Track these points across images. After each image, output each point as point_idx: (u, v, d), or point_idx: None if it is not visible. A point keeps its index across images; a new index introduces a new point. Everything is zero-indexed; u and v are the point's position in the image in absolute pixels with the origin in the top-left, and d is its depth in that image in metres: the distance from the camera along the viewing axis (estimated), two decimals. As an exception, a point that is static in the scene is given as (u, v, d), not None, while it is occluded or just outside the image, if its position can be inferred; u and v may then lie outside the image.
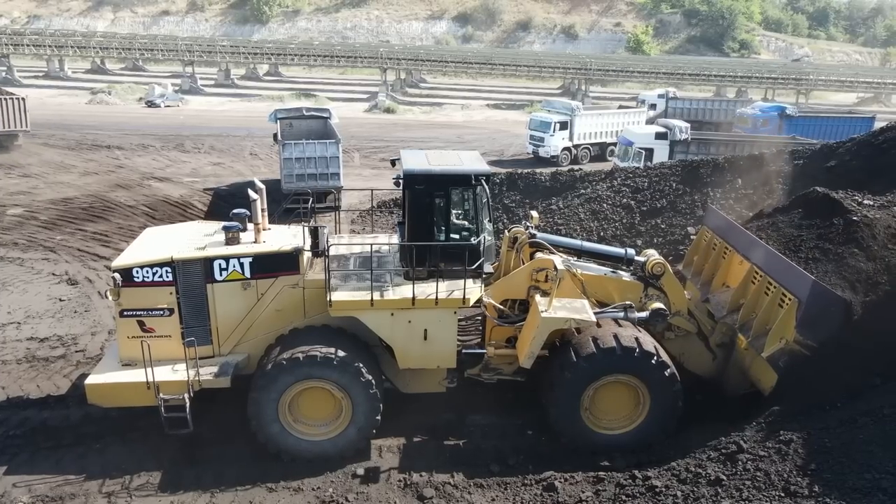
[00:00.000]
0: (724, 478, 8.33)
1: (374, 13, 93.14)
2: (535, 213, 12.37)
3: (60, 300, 15.35)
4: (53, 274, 16.89)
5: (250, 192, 10.42)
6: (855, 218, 10.81)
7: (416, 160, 10.54)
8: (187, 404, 9.39)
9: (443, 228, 10.39)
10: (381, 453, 10.10)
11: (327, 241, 10.13)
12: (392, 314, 9.81)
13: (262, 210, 10.53)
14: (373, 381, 9.63)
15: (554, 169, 24.41)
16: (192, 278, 9.83)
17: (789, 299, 9.49)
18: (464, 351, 10.73)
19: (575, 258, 11.15)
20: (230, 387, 9.84)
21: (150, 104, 50.66)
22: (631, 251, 11.40)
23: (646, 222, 17.56)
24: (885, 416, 8.42)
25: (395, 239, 11.62)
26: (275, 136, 24.90)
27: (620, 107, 42.23)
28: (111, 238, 19.75)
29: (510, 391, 11.71)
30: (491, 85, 70.09)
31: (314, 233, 10.18)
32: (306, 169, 22.45)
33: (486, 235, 10.67)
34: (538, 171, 22.93)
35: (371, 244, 10.38)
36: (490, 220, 10.98)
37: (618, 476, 9.15)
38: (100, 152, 31.77)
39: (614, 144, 35.29)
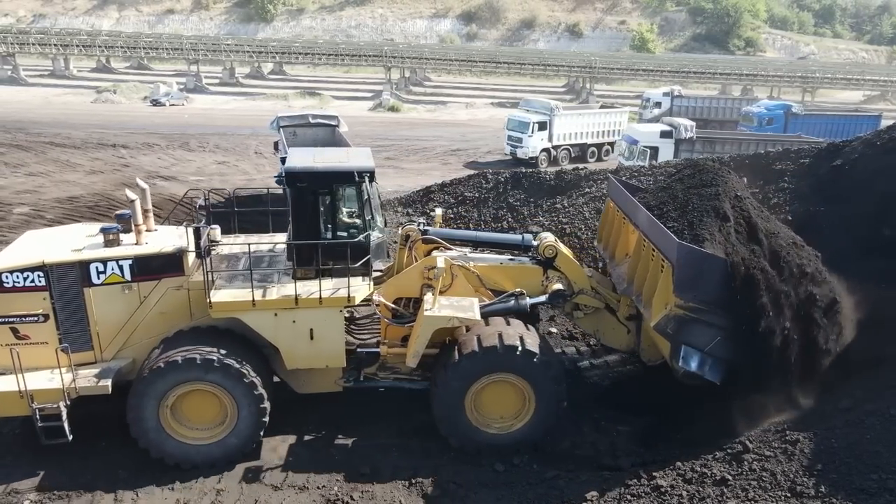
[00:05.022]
0: (730, 478, 8.32)
1: (379, 11, 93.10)
2: (438, 211, 12.39)
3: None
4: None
5: (128, 192, 10.04)
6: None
7: (301, 158, 10.42)
8: (63, 413, 9.00)
9: (329, 226, 10.23)
10: (386, 452, 10.09)
11: (208, 241, 9.85)
12: (276, 314, 9.61)
13: (146, 210, 10.23)
14: (256, 382, 9.40)
15: (559, 168, 24.37)
16: (66, 282, 9.41)
17: (666, 264, 9.29)
18: (359, 349, 10.67)
19: (471, 250, 11.12)
20: (110, 393, 9.41)
21: (155, 103, 50.79)
22: (528, 236, 11.41)
23: (651, 221, 17.51)
24: (892, 417, 8.40)
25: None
26: (276, 144, 23.25)
27: (602, 106, 41.88)
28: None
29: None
30: (495, 83, 70.05)
31: (196, 233, 9.74)
32: None
33: (377, 233, 10.62)
34: (543, 169, 22.92)
35: (248, 244, 10.16)
36: (382, 218, 10.86)
37: (623, 475, 9.14)
38: (105, 151, 31.87)
39: (596, 145, 34.92)
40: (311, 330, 9.72)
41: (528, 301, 10.60)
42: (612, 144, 35.63)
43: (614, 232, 11.90)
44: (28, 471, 9.41)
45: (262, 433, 9.78)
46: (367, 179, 9.85)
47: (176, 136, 36.64)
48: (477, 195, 20.54)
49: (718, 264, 8.92)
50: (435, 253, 10.76)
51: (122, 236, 9.92)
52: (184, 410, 9.55)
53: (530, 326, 10.35)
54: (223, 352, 9.31)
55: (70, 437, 9.15)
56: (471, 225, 19.45)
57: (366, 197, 10.04)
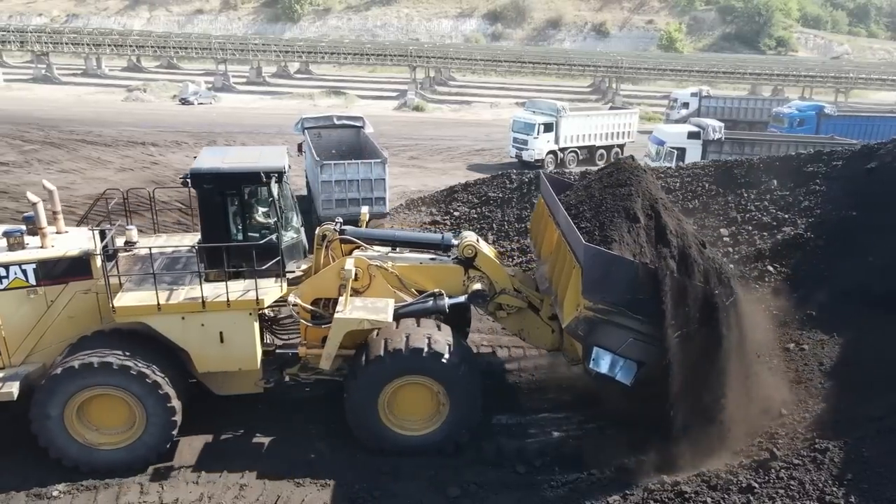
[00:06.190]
0: (756, 485, 8.18)
1: (404, 11, 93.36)
2: (365, 209, 12.28)
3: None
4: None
5: (29, 195, 9.82)
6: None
7: (209, 158, 10.25)
8: None
9: (239, 227, 10.06)
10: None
11: (113, 243, 9.77)
12: (183, 318, 9.43)
13: (56, 213, 10.10)
14: (161, 383, 9.20)
15: (584, 168, 24.20)
16: None
17: (577, 265, 9.10)
18: (278, 350, 10.60)
19: (390, 249, 11.02)
20: (15, 399, 9.17)
21: (184, 102, 51.56)
22: (448, 236, 11.28)
23: (677, 223, 17.30)
24: (926, 427, 8.19)
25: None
26: (299, 146, 23.15)
27: (611, 108, 41.15)
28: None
29: (537, 392, 11.67)
30: (520, 83, 69.73)
31: (101, 235, 9.54)
32: (347, 193, 19.73)
33: (292, 233, 10.53)
34: (566, 170, 22.78)
35: (150, 247, 9.83)
36: (299, 217, 10.79)
37: (646, 480, 9.03)
38: (135, 149, 32.43)
39: (604, 147, 33.90)
40: (221, 333, 9.54)
41: (447, 301, 10.47)
42: (621, 147, 34.52)
43: (541, 229, 11.73)
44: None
45: (174, 435, 9.62)
46: (274, 180, 9.72)
47: (204, 134, 37.16)
48: (501, 195, 20.49)
49: (626, 266, 8.79)
50: (357, 253, 10.68)
51: (29, 239, 9.69)
52: (91, 414, 9.38)
53: (444, 326, 10.20)
54: (126, 355, 9.11)
55: None
56: (494, 225, 19.41)
57: (273, 197, 9.88)
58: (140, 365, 9.14)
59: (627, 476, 9.28)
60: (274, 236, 9.89)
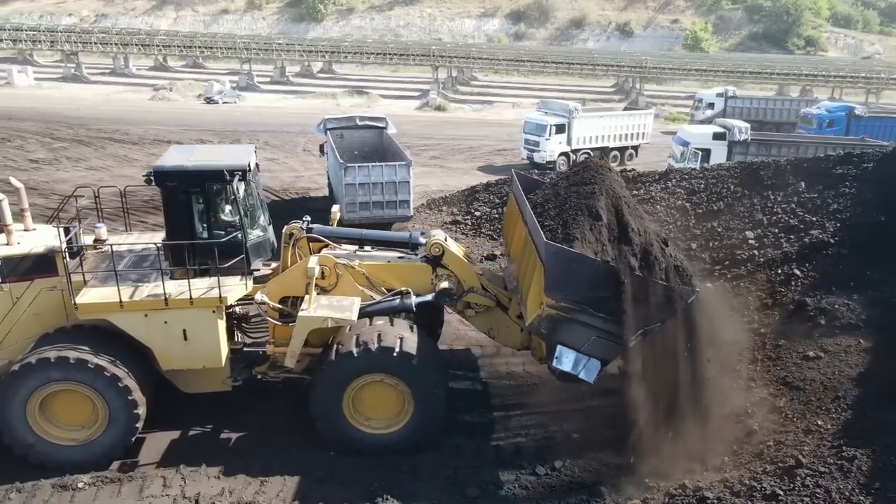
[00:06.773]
0: (781, 493, 8.04)
1: (427, 11, 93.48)
2: (335, 208, 12.24)
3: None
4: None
5: None
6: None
7: (174, 157, 10.24)
8: None
9: (205, 225, 10.08)
10: (426, 451, 10.08)
11: (79, 241, 9.80)
12: (146, 315, 9.44)
13: (24, 210, 10.22)
14: (122, 379, 9.21)
15: (606, 169, 23.92)
16: None
17: (539, 264, 8.99)
18: (245, 348, 10.60)
19: (357, 248, 10.97)
20: None
21: (209, 101, 52.19)
22: (416, 234, 11.21)
23: (701, 225, 17.08)
24: (959, 436, 7.98)
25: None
26: (321, 147, 23.11)
27: (626, 108, 40.57)
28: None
29: (556, 393, 11.59)
30: (543, 83, 69.41)
31: (66, 232, 9.59)
32: (371, 196, 19.47)
33: (259, 231, 10.53)
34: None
35: (112, 245, 9.94)
36: (266, 216, 10.81)
37: (668, 485, 8.92)
38: (161, 147, 32.85)
39: (618, 149, 33.37)
40: (185, 331, 9.56)
41: (414, 300, 10.44)
42: (636, 148, 34.08)
43: (511, 228, 11.66)
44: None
45: (138, 430, 9.63)
46: (238, 178, 9.75)
47: (228, 132, 37.57)
48: (522, 195, 20.37)
49: (587, 264, 8.71)
50: (324, 251, 10.67)
51: None
52: (55, 411, 9.41)
53: (406, 324, 10.16)
54: (86, 350, 9.12)
55: None
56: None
57: (237, 196, 9.90)
58: (102, 360, 9.12)
59: (648, 480, 9.19)
60: (238, 234, 9.96)
